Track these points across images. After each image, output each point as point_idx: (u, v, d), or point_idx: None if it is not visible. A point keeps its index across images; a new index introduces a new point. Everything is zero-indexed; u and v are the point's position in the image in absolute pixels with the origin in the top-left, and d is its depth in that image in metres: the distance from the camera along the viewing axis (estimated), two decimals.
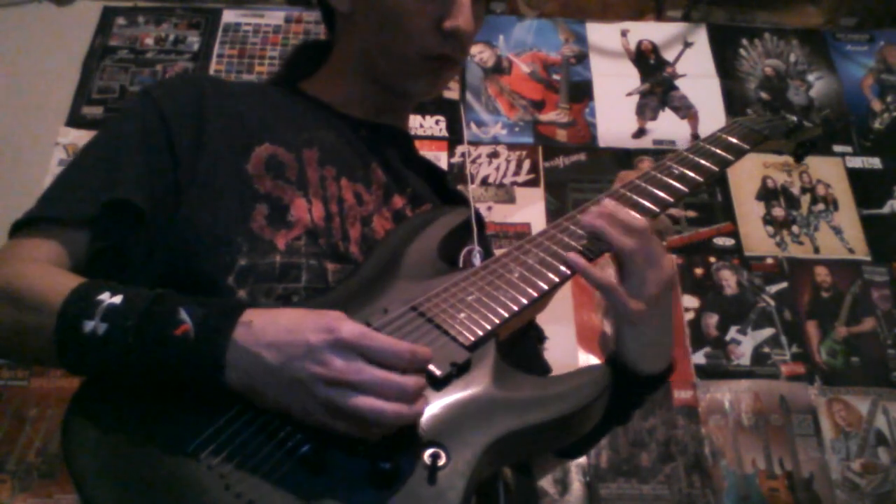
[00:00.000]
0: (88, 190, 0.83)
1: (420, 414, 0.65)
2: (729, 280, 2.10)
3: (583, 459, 1.83)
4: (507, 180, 2.23)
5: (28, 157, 2.18)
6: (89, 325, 0.67)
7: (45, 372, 1.89)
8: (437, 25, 0.92)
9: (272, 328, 0.66)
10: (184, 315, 0.67)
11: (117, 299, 0.68)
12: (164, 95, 0.88)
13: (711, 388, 1.94)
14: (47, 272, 0.76)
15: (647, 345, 0.84)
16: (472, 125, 2.33)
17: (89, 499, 0.61)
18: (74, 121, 2.26)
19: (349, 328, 0.65)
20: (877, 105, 2.44)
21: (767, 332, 2.03)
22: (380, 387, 0.63)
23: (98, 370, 0.69)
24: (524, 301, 0.78)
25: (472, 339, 0.74)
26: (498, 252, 0.89)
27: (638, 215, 0.83)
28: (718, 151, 0.98)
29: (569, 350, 1.95)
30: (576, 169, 2.27)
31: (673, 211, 2.20)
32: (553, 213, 2.17)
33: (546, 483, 1.79)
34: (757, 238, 2.18)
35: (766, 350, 2.01)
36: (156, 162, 0.84)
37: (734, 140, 1.00)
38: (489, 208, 2.16)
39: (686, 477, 1.83)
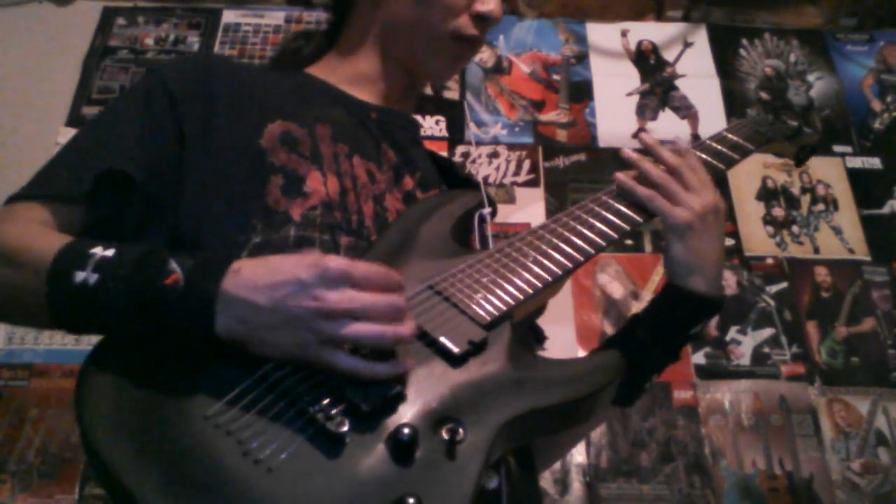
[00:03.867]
0: (82, 165, 0.82)
1: (414, 330, 0.68)
2: (729, 280, 2.10)
3: (583, 459, 1.83)
4: (507, 180, 2.23)
5: (28, 158, 2.17)
6: (80, 276, 0.66)
7: (46, 372, 1.89)
8: (469, 7, 0.96)
9: (260, 271, 0.66)
10: (174, 265, 0.66)
11: (110, 252, 0.68)
12: (171, 72, 0.87)
13: (711, 388, 1.94)
14: (40, 231, 0.76)
15: (694, 259, 0.86)
16: (472, 125, 2.33)
17: (102, 464, 0.60)
18: (74, 121, 2.25)
19: (335, 261, 0.65)
20: (877, 105, 2.44)
21: (767, 332, 2.03)
22: (373, 309, 0.65)
23: (89, 323, 0.68)
24: (539, 284, 0.79)
25: (489, 318, 0.74)
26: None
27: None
28: (725, 150, 0.99)
29: (569, 350, 1.95)
30: (576, 169, 2.27)
31: None
32: (553, 213, 2.16)
33: (546, 483, 1.79)
34: (757, 238, 2.18)
35: (766, 350, 2.01)
36: (156, 133, 0.83)
37: (739, 140, 1.01)
38: None
39: (686, 477, 1.83)
